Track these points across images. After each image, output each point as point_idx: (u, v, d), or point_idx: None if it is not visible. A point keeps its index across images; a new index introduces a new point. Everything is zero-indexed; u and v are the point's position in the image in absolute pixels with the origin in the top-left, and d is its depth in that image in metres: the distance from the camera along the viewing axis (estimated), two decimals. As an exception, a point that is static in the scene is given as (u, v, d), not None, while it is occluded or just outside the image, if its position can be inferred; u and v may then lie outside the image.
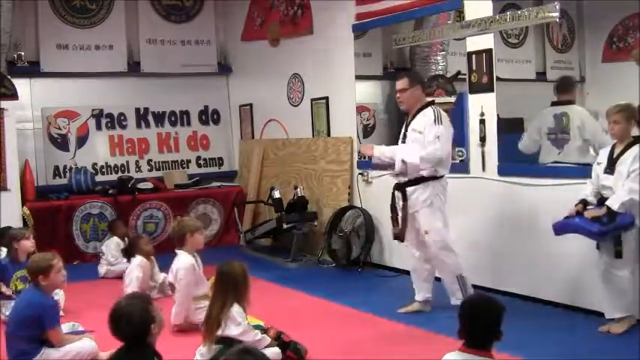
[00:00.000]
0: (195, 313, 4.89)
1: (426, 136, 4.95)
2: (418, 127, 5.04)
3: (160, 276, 5.96)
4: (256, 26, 8.56)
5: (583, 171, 5.27)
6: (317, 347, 4.36)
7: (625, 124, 4.43)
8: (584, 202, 4.55)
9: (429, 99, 5.27)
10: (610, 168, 4.47)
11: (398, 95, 5.18)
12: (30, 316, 4.04)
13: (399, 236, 5.17)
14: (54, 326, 4.10)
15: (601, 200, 4.49)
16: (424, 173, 4.99)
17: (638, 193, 4.28)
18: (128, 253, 6.10)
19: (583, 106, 6.02)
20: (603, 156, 4.57)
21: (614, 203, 4.32)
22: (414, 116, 5.12)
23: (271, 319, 4.66)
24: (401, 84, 5.14)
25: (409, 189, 5.06)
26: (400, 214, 5.11)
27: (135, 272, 5.70)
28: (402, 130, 5.23)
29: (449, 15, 6.12)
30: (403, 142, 5.14)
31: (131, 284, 5.65)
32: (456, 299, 5.00)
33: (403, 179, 5.08)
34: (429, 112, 5.04)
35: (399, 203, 5.13)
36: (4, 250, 5.58)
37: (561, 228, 4.61)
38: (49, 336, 4.07)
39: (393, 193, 5.21)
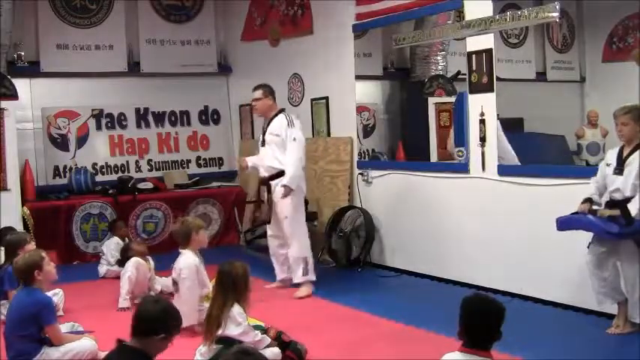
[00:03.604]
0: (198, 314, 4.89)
1: (284, 139, 5.86)
2: (275, 131, 5.94)
3: (158, 286, 5.93)
4: (256, 26, 8.56)
5: (583, 171, 5.29)
6: (317, 347, 4.36)
7: (633, 125, 4.39)
8: (590, 201, 4.52)
9: (280, 107, 6.20)
10: (619, 168, 4.44)
11: (254, 104, 6.15)
12: (27, 314, 4.03)
13: (266, 220, 6.05)
14: (51, 322, 4.10)
15: (609, 202, 4.46)
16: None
17: None
18: (122, 260, 6.08)
19: (583, 106, 6.04)
20: (611, 157, 4.53)
21: (632, 209, 4.26)
22: (269, 122, 6.02)
23: (271, 319, 4.66)
24: (257, 94, 6.09)
25: (272, 182, 5.90)
26: (267, 203, 5.98)
27: (127, 272, 5.68)
28: (261, 136, 6.11)
29: (449, 15, 6.12)
30: (263, 145, 6.05)
31: (124, 285, 5.64)
32: (297, 278, 5.92)
33: (267, 174, 5.94)
34: (282, 118, 5.98)
35: (264, 195, 6.00)
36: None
37: (567, 223, 4.55)
38: (47, 333, 4.07)
39: (259, 187, 6.11)
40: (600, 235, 4.42)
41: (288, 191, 5.78)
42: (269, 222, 6.04)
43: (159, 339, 2.98)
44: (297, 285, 5.96)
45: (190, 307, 4.82)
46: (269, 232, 6.17)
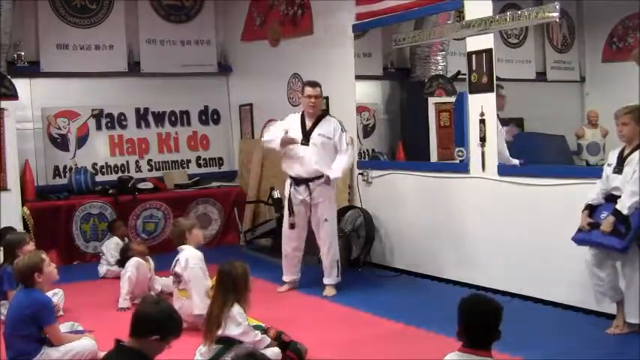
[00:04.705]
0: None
1: (337, 143, 5.85)
2: (326, 133, 5.87)
3: (158, 286, 5.94)
4: (256, 26, 8.56)
5: (583, 171, 5.29)
6: (317, 347, 4.36)
7: (634, 125, 4.40)
8: (590, 208, 4.55)
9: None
10: (619, 168, 4.47)
11: (314, 100, 5.89)
12: (26, 314, 4.03)
13: (294, 224, 5.94)
14: (51, 322, 4.10)
15: (608, 198, 4.50)
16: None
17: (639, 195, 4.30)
18: (122, 260, 6.08)
19: (583, 106, 6.04)
20: (613, 157, 4.56)
21: (622, 208, 4.31)
22: (316, 122, 5.89)
23: (271, 319, 4.66)
24: (317, 91, 5.93)
25: (312, 184, 5.82)
26: (294, 205, 5.87)
27: (128, 273, 5.68)
28: (301, 134, 5.84)
29: (449, 15, 6.12)
30: (306, 144, 5.83)
31: (124, 286, 5.64)
32: (330, 279, 5.92)
33: (306, 175, 5.81)
34: (332, 120, 5.98)
35: (297, 196, 5.86)
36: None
37: (580, 241, 4.58)
38: (47, 333, 4.07)
39: (290, 186, 5.92)
40: (611, 251, 4.42)
41: (329, 180, 5.77)
42: (293, 227, 5.94)
43: (156, 340, 2.97)
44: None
45: (200, 296, 4.85)
46: (288, 234, 6.02)
